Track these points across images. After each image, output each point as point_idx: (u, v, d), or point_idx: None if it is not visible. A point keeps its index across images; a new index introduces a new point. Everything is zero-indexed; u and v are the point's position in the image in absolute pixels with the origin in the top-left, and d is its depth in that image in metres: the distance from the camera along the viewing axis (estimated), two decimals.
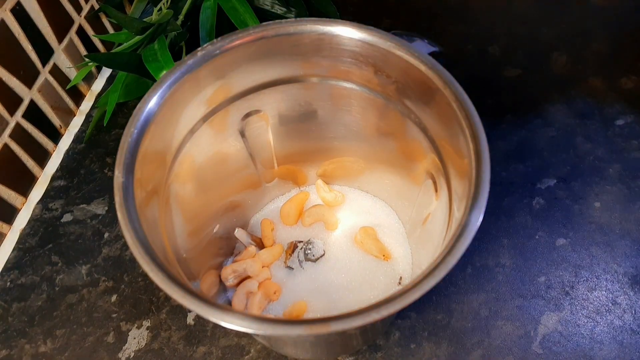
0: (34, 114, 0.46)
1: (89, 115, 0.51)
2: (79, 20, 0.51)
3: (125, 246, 0.42)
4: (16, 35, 0.43)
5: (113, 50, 0.50)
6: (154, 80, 0.31)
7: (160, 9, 0.49)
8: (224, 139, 0.34)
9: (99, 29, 0.54)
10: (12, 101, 0.43)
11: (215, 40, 0.29)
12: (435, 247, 0.29)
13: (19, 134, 0.44)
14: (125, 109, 0.51)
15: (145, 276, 0.40)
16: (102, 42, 0.54)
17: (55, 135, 0.49)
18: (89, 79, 0.53)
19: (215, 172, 0.35)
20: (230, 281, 0.36)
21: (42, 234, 0.43)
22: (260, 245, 0.39)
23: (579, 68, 0.50)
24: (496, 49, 0.53)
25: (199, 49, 0.29)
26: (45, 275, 0.41)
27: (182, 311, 0.38)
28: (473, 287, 0.38)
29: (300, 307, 0.35)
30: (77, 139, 0.50)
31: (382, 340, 0.36)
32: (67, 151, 0.49)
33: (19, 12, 0.43)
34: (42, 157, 0.47)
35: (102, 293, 0.40)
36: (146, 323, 0.38)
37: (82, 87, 0.52)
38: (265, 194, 0.41)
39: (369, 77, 0.31)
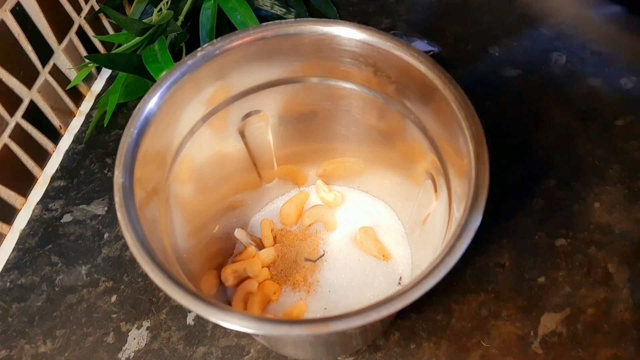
0: (33, 114, 0.46)
1: (88, 116, 0.51)
2: (79, 20, 0.51)
3: (125, 246, 0.42)
4: (16, 35, 0.43)
5: (113, 51, 0.50)
6: (154, 81, 0.31)
7: (160, 9, 0.49)
8: (224, 139, 0.34)
9: (99, 30, 0.54)
10: (12, 101, 0.43)
11: (215, 40, 0.29)
12: (435, 247, 0.29)
13: (18, 134, 0.44)
14: (125, 110, 0.51)
15: (145, 276, 0.40)
16: (102, 42, 0.54)
17: (55, 136, 0.49)
18: (89, 79, 0.53)
19: (215, 172, 0.35)
20: (230, 281, 0.36)
21: (42, 235, 0.43)
22: (260, 245, 0.39)
23: (579, 68, 0.50)
24: (496, 49, 0.53)
25: (199, 49, 0.29)
26: (45, 275, 0.41)
27: (182, 311, 0.38)
28: (473, 287, 0.38)
29: (300, 307, 0.35)
30: (77, 139, 0.50)
31: (382, 340, 0.36)
32: (67, 152, 0.49)
33: (19, 13, 0.43)
34: (42, 157, 0.47)
35: (102, 293, 0.40)
36: (146, 323, 0.38)
37: (82, 88, 0.52)
38: (265, 194, 0.41)
39: (368, 78, 0.31)
